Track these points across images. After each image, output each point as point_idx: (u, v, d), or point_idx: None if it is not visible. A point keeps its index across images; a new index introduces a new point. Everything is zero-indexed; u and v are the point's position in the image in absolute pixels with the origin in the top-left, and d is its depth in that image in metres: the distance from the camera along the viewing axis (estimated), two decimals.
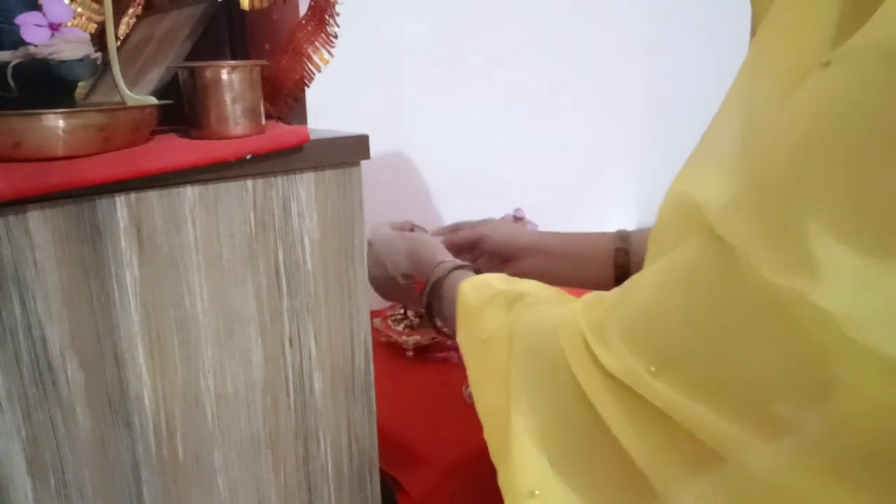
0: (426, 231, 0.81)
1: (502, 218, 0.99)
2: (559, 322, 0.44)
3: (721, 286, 0.32)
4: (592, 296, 0.44)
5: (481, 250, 0.79)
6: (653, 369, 0.34)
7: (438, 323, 0.65)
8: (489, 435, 0.48)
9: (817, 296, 0.27)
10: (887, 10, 0.27)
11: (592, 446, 0.39)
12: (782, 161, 0.30)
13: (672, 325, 0.35)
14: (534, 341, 0.46)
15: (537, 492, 0.41)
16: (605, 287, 0.42)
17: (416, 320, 0.88)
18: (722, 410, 0.31)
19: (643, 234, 0.70)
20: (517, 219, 0.98)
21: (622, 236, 0.71)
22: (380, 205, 0.91)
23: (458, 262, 0.64)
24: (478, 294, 0.54)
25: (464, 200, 1.12)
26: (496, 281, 0.55)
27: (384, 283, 0.71)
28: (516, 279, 0.55)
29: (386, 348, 0.86)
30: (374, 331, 0.85)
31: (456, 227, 0.84)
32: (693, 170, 0.39)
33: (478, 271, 0.62)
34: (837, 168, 0.28)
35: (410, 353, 0.84)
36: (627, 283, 0.41)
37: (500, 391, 0.47)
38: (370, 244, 0.73)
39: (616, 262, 0.70)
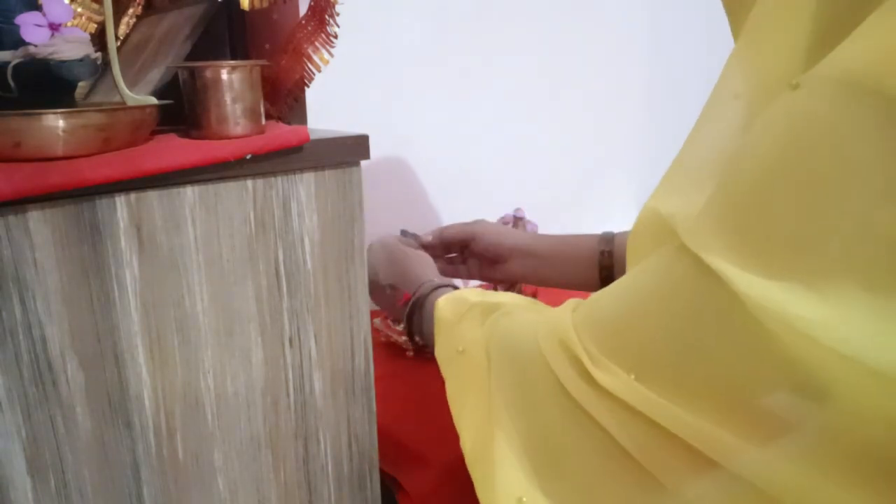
0: (418, 235, 0.82)
1: (502, 217, 0.99)
2: (539, 329, 0.44)
3: (690, 295, 0.32)
4: (576, 303, 0.44)
5: (471, 251, 0.81)
6: (632, 376, 0.35)
7: (417, 338, 0.67)
8: (467, 445, 0.48)
9: (791, 307, 0.28)
10: (854, 39, 0.28)
11: (581, 450, 0.39)
12: (750, 177, 0.31)
13: (645, 334, 0.35)
14: (513, 350, 0.46)
15: (524, 498, 0.41)
16: (591, 288, 0.43)
17: None
18: (706, 415, 0.31)
19: (627, 236, 0.72)
20: (517, 219, 0.98)
21: (607, 239, 0.73)
22: (380, 205, 0.91)
23: (443, 280, 0.66)
24: (453, 308, 0.56)
25: (464, 200, 1.12)
26: (471, 295, 0.56)
27: (372, 289, 0.72)
28: (490, 292, 0.57)
29: (386, 348, 0.86)
30: (374, 331, 0.85)
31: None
32: (666, 188, 0.40)
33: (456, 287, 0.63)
34: (801, 188, 0.28)
35: (410, 353, 0.84)
36: (600, 293, 0.41)
37: (479, 401, 0.47)
38: (370, 247, 0.74)
39: (601, 263, 0.72)
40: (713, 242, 0.31)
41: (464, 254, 0.82)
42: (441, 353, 0.55)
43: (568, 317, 0.41)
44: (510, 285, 0.86)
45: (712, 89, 0.40)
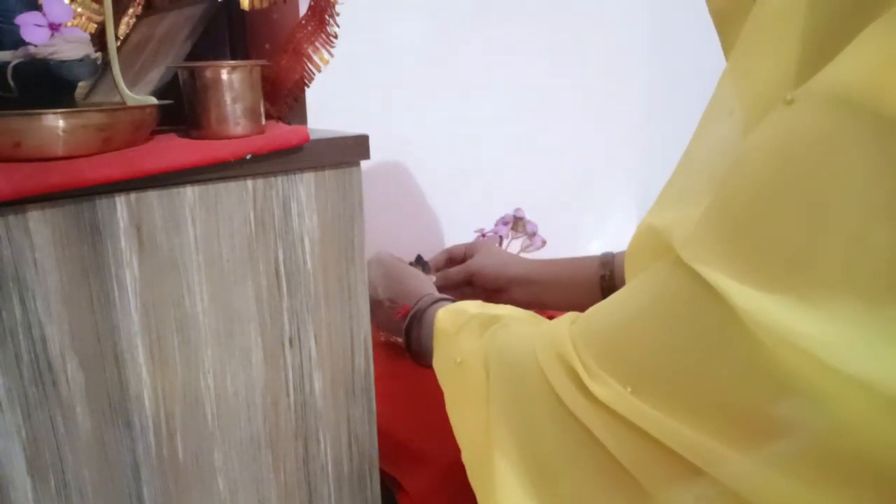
0: (429, 265, 0.84)
1: (502, 217, 0.99)
2: (537, 342, 0.44)
3: (686, 308, 0.32)
4: (574, 316, 0.44)
5: (473, 284, 0.83)
6: (629, 389, 0.35)
7: (413, 347, 0.68)
8: (467, 457, 0.48)
9: (787, 321, 0.28)
10: (848, 55, 0.28)
11: (577, 463, 0.39)
12: (746, 191, 0.31)
13: (642, 347, 0.35)
14: (511, 362, 0.46)
15: None
16: None
17: None
18: (702, 428, 0.31)
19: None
20: (517, 219, 0.98)
21: (606, 261, 0.74)
22: (380, 205, 0.91)
23: (442, 295, 0.67)
24: (453, 319, 0.56)
25: (464, 200, 1.12)
26: (470, 306, 0.56)
27: (370, 305, 0.72)
28: (490, 304, 0.57)
29: (386, 348, 0.86)
30: (374, 331, 0.85)
31: (450, 256, 0.88)
32: (662, 205, 0.40)
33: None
34: (797, 202, 0.28)
35: None
36: (598, 306, 0.41)
37: (477, 413, 0.47)
38: (368, 264, 0.75)
39: (602, 286, 0.73)
40: (709, 255, 0.31)
41: (466, 287, 0.85)
42: (439, 363, 0.55)
43: (566, 329, 0.41)
44: None
45: (706, 106, 0.39)
